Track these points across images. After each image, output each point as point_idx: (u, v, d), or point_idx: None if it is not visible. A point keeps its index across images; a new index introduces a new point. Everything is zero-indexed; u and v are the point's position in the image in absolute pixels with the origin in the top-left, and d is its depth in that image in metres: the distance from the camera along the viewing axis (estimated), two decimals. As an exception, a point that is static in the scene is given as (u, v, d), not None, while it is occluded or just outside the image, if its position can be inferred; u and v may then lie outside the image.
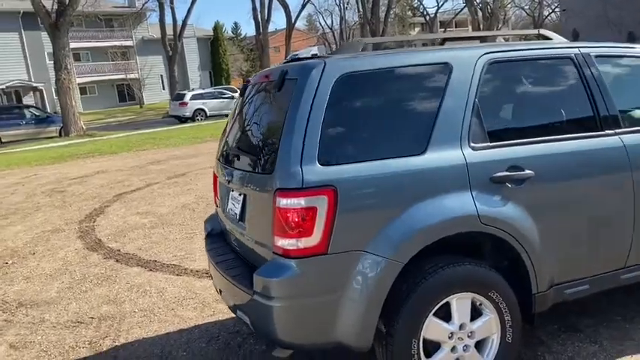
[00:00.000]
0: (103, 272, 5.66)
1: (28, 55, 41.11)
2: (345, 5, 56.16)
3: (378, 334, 2.76)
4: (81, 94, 44.23)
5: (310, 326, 2.69)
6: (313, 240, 2.57)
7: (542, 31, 3.54)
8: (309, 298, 2.63)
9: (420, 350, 2.75)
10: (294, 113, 2.67)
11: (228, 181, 3.30)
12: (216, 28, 54.47)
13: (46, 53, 34.39)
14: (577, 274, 3.14)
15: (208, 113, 29.51)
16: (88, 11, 36.49)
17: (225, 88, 35.42)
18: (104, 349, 3.95)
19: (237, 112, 3.61)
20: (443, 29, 64.55)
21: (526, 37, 3.74)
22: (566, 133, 3.11)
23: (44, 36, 27.85)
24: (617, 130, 3.21)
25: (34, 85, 40.48)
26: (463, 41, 3.32)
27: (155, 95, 47.40)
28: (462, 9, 56.26)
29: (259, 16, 39.96)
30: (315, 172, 2.59)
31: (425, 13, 63.14)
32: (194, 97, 29.26)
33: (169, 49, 39.18)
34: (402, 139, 2.79)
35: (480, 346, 2.92)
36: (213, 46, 53.83)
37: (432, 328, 2.77)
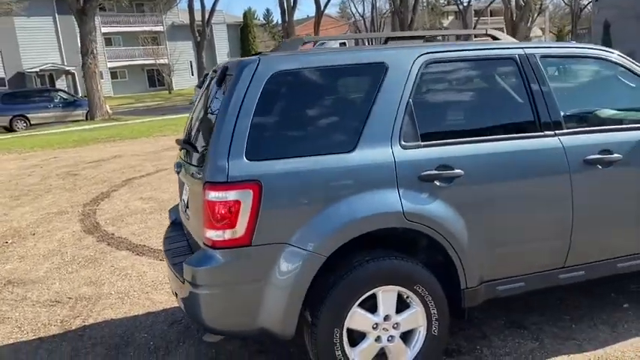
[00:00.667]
0: (92, 255, 5.89)
1: (61, 39, 42.01)
2: (377, -8, 55.62)
3: (305, 323, 2.89)
4: (112, 79, 45.16)
5: (235, 313, 2.81)
6: (237, 232, 2.69)
7: (491, 32, 3.56)
8: (232, 287, 2.76)
9: (344, 339, 2.85)
10: (225, 108, 2.78)
11: (178, 172, 3.44)
12: (246, 14, 54.70)
13: (78, 37, 35.00)
14: (510, 272, 3.18)
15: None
16: (119, -5, 37.12)
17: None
18: (73, 327, 4.16)
19: (194, 105, 3.74)
20: (476, 18, 63.48)
21: (474, 37, 3.75)
22: (502, 133, 3.12)
23: (76, 20, 28.35)
24: (558, 132, 3.19)
25: (67, 68, 41.39)
26: (406, 41, 3.36)
27: (184, 81, 47.91)
28: (495, -3, 55.28)
29: (285, 3, 39.95)
30: (241, 166, 2.69)
31: (458, 1, 62.11)
32: (218, 84, 29.43)
33: (198, 35, 39.48)
34: (332, 136, 2.88)
35: (406, 337, 3.01)
36: (243, 32, 54.04)
37: (357, 318, 2.87)
